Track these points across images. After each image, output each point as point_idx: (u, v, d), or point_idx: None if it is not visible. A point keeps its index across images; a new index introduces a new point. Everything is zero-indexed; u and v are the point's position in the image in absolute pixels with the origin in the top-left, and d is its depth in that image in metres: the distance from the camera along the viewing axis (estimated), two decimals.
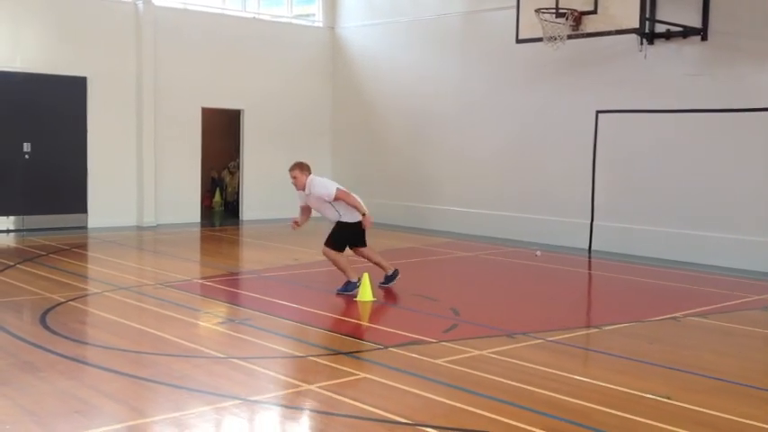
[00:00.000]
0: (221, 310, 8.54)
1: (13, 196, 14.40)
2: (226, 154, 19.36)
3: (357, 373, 6.02)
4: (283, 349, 6.78)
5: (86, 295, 8.85)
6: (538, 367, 6.25)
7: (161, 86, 15.73)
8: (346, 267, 9.20)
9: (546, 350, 6.86)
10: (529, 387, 5.74)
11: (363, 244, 9.51)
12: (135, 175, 15.62)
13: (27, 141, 14.50)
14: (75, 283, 9.33)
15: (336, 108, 18.26)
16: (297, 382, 5.87)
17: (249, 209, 17.31)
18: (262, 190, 17.34)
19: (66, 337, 6.95)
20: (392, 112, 16.96)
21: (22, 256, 11.53)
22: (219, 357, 6.45)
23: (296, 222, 9.54)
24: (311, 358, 6.53)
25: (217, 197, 19.64)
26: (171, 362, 6.28)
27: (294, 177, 9.10)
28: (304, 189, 9.11)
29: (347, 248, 9.39)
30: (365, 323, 8.04)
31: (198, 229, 15.63)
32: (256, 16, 17.53)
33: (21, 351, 6.47)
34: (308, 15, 18.48)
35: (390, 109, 17.01)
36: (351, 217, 9.20)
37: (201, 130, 16.47)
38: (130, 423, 5.00)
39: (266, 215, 17.11)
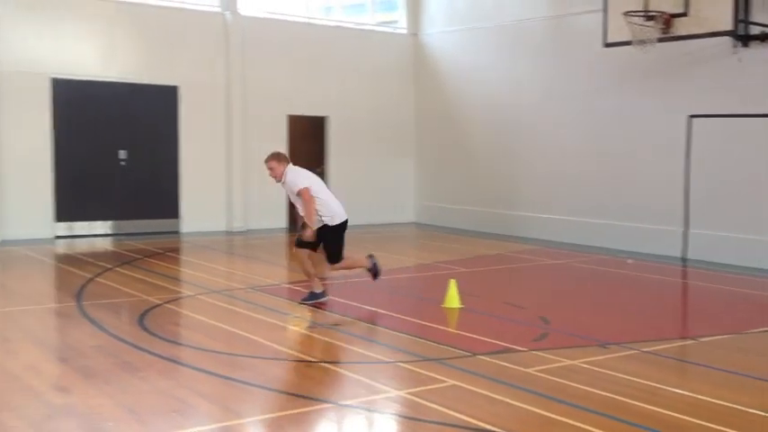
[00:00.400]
0: (310, 314, 8.65)
1: (110, 202, 14.96)
2: (312, 160, 19.59)
3: (445, 380, 6.01)
4: (371, 354, 6.82)
5: (181, 298, 9.11)
6: (632, 378, 6.11)
7: (248, 94, 16.09)
8: (355, 262, 9.08)
9: (640, 361, 6.69)
10: (623, 398, 5.61)
11: (315, 248, 8.70)
12: (224, 181, 16.00)
13: (123, 149, 15.04)
14: (169, 286, 9.61)
15: (420, 114, 18.29)
16: (385, 388, 5.89)
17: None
18: (347, 196, 17.37)
19: (162, 339, 7.18)
20: (476, 118, 16.88)
21: (120, 259, 11.95)
22: (310, 361, 6.54)
23: (305, 233, 8.48)
24: (399, 364, 6.55)
25: None
26: (263, 364, 6.40)
27: (270, 169, 8.50)
28: (279, 179, 8.52)
29: (303, 248, 8.62)
30: (452, 330, 8.01)
31: (285, 234, 15.89)
32: (340, 24, 17.74)
33: (121, 351, 6.70)
34: (391, 22, 18.59)
35: (474, 114, 16.93)
36: (330, 216, 8.59)
37: (287, 137, 16.77)
38: (226, 423, 5.12)
39: (352, 220, 16.94)
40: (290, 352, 6.79)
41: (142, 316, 7.99)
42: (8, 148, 13.81)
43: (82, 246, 13.57)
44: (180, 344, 7.13)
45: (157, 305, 8.56)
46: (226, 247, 13.94)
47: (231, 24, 15.85)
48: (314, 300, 8.71)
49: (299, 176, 8.48)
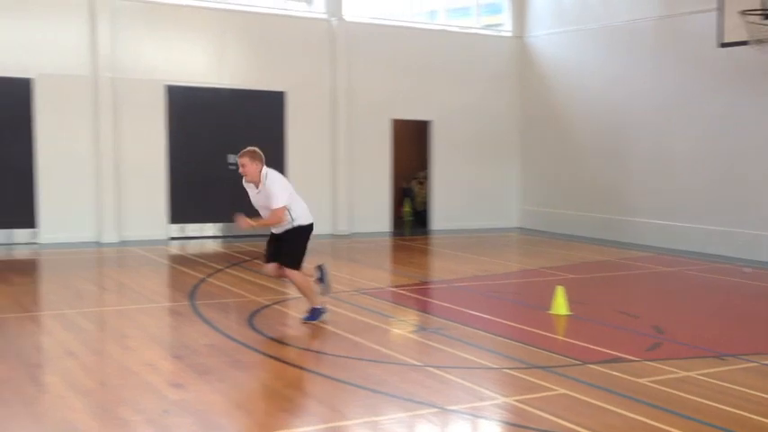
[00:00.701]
0: (414, 318, 8.66)
1: (220, 205, 15.40)
2: (415, 164, 19.67)
3: (554, 388, 5.89)
4: (477, 360, 6.76)
5: (287, 299, 9.28)
6: (752, 392, 5.83)
7: (353, 99, 16.29)
8: (312, 291, 8.04)
9: (761, 374, 6.38)
10: (741, 412, 5.36)
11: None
12: (329, 185, 16.24)
13: (232, 153, 15.45)
14: (276, 288, 9.81)
15: (525, 118, 18.06)
16: (492, 394, 5.83)
17: (438, 219, 17.50)
18: (450, 200, 17.49)
19: (271, 338, 7.33)
20: (583, 121, 16.53)
21: (229, 260, 12.31)
22: (415, 365, 6.53)
23: (245, 220, 7.69)
24: (506, 370, 6.47)
25: (406, 207, 19.99)
26: (367, 366, 6.44)
27: (242, 165, 7.62)
28: (254, 181, 7.70)
29: (276, 262, 7.86)
30: (560, 337, 7.85)
31: (389, 239, 15.99)
32: (445, 28, 17.72)
33: (232, 350, 6.88)
34: (496, 25, 18.44)
35: (581, 117, 16.59)
36: (304, 216, 7.85)
37: (391, 141, 16.88)
38: (333, 424, 5.17)
39: (455, 225, 17.24)
40: (395, 355, 6.80)
41: (251, 316, 8.19)
42: (127, 153, 14.43)
43: (193, 247, 14.04)
44: (288, 344, 7.26)
45: (266, 306, 8.75)
46: (330, 250, 14.12)
47: (337, 30, 16.09)
48: (318, 315, 7.97)
49: (279, 188, 7.62)
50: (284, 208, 7.59)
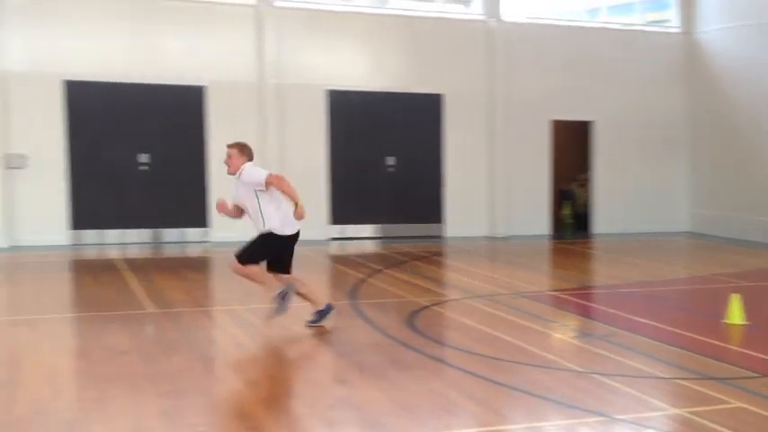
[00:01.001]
0: (576, 323, 8.43)
1: (378, 207, 15.67)
2: (575, 166, 19.18)
3: (730, 401, 5.54)
4: (645, 369, 6.47)
5: (446, 301, 9.28)
6: None
7: (511, 100, 16.09)
8: (312, 293, 7.70)
9: None
10: None
11: (286, 268, 7.60)
12: (487, 187, 16.13)
13: (390, 155, 15.70)
14: (435, 289, 9.84)
15: (695, 117, 17.17)
16: (662, 405, 5.57)
17: (600, 222, 16.98)
18: (613, 203, 16.92)
19: (431, 339, 7.35)
20: (760, 120, 15.51)
21: (388, 261, 12.48)
22: (580, 371, 6.34)
23: (223, 205, 7.55)
24: (677, 381, 6.16)
25: (566, 210, 19.54)
26: (530, 371, 6.32)
27: (229, 156, 7.37)
28: (235, 173, 7.38)
29: (256, 263, 7.46)
30: (736, 348, 7.38)
31: (548, 241, 15.68)
32: (606, 25, 17.17)
33: (393, 349, 6.96)
34: (662, 21, 17.67)
35: (757, 117, 15.57)
36: (280, 226, 7.33)
37: (550, 143, 16.55)
38: (495, 428, 5.11)
39: (618, 229, 16.65)
40: (558, 360, 6.63)
41: (411, 316, 8.24)
42: (290, 156, 14.92)
43: (353, 248, 14.35)
44: (447, 345, 7.25)
45: (425, 307, 8.78)
46: (489, 252, 14.04)
47: (495, 30, 15.96)
48: (323, 317, 7.66)
49: (259, 170, 7.34)
50: (272, 174, 7.26)
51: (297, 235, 7.49)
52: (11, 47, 13.43)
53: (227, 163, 7.42)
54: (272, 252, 7.43)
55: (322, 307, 7.65)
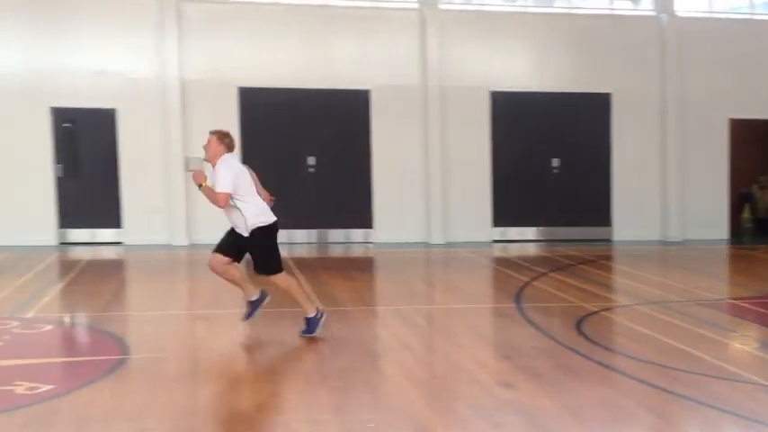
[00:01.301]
0: (758, 333, 7.89)
1: (542, 209, 15.39)
2: (756, 167, 18.04)
3: None
4: None
5: (616, 306, 8.96)
6: None
7: (685, 99, 15.40)
8: (302, 294, 7.30)
9: None
10: None
11: (239, 258, 7.22)
12: (659, 189, 15.49)
13: (555, 157, 15.38)
14: (604, 294, 9.54)
15: None
16: None
17: None
18: None
19: (601, 346, 7.11)
20: None
21: (553, 265, 12.20)
22: (763, 384, 5.92)
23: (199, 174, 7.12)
24: None
25: (746, 213, 18.42)
26: (707, 382, 5.97)
27: (208, 141, 7.09)
28: (211, 162, 7.07)
29: (224, 255, 7.12)
30: None
31: (726, 247, 14.85)
32: None
33: (561, 354, 6.79)
34: None
35: None
36: (260, 215, 7.00)
37: (728, 143, 15.64)
38: None
39: None
40: (739, 372, 6.22)
41: (579, 322, 8.01)
42: (453, 158, 14.95)
43: (516, 250, 14.18)
44: (618, 353, 6.99)
45: (594, 312, 8.51)
46: (660, 256, 13.46)
47: (667, 26, 15.28)
48: (315, 327, 7.18)
49: (224, 172, 6.91)
50: (225, 195, 6.88)
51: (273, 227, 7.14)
52: (190, 56, 14.28)
53: (204, 148, 7.19)
54: (275, 242, 7.18)
55: (312, 314, 7.21)
